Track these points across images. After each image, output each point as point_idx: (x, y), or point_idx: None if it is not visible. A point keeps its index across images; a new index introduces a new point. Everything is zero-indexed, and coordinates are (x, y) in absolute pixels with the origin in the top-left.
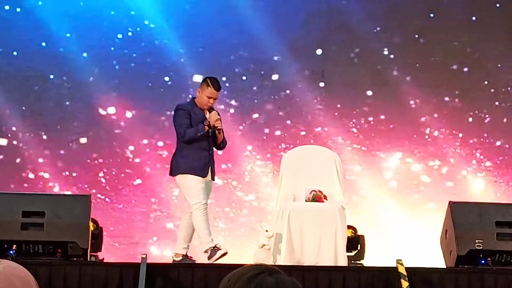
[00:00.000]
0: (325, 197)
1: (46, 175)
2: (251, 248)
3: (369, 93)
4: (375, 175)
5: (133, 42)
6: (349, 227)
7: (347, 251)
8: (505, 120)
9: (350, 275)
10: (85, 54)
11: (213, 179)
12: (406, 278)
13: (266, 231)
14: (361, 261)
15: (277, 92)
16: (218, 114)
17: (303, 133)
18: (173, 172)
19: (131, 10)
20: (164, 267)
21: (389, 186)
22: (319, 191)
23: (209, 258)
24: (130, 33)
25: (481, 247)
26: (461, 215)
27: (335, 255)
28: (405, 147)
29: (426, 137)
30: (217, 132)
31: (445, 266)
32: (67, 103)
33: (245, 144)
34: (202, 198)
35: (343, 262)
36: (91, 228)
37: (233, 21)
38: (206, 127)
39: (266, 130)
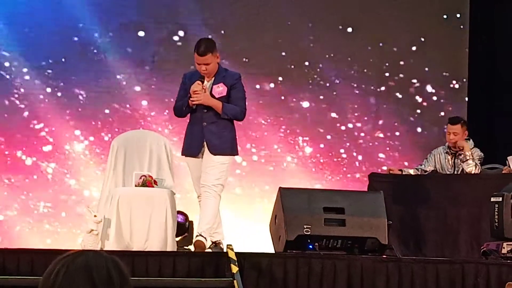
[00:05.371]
0: (155, 182)
1: None
2: None
3: None
4: None
5: None
6: (179, 212)
7: (176, 236)
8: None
9: (180, 260)
10: None
11: (216, 153)
12: (236, 263)
13: (95, 216)
14: (189, 247)
15: None
16: (215, 85)
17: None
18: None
19: None
20: None
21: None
22: (149, 176)
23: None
24: None
25: (309, 232)
26: (290, 201)
27: (164, 240)
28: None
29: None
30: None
31: (274, 251)
32: None
33: None
34: (195, 185)
35: (172, 247)
36: None
37: None
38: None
39: None
